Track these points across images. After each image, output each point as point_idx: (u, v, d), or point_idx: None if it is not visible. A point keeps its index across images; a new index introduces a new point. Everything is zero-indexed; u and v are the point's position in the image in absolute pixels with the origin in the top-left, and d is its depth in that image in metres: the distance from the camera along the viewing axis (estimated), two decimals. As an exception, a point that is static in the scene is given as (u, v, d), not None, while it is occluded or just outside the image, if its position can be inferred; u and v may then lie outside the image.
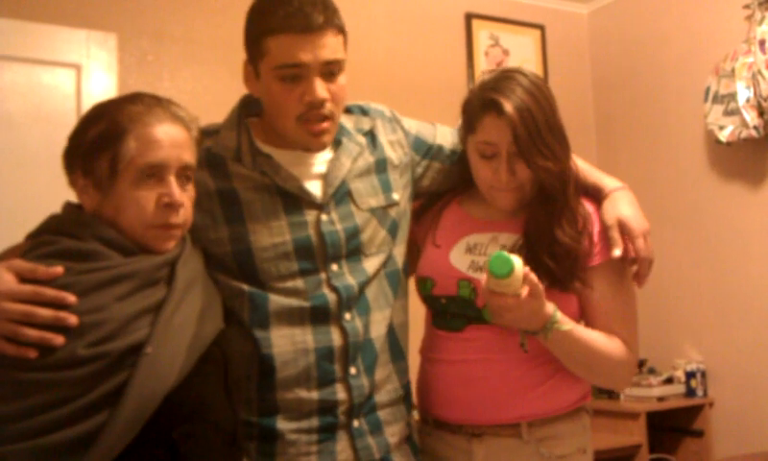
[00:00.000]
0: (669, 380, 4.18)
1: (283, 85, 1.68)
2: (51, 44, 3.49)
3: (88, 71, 3.54)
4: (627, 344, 1.82)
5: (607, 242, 1.78)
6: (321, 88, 1.66)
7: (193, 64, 3.76)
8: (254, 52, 1.71)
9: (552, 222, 1.77)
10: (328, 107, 1.69)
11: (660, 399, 4.07)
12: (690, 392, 4.13)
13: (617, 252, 1.75)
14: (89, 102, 3.38)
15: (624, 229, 1.77)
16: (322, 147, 1.75)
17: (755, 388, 3.95)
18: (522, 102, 1.71)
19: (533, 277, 1.58)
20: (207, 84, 3.75)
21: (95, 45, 3.56)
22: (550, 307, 1.66)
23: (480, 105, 1.77)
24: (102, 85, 3.54)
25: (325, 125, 1.71)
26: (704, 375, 4.14)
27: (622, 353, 1.80)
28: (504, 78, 1.78)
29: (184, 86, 3.73)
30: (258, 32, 1.69)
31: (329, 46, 1.67)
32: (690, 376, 4.13)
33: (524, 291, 1.57)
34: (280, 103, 1.71)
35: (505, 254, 1.53)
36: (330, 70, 1.68)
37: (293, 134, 1.73)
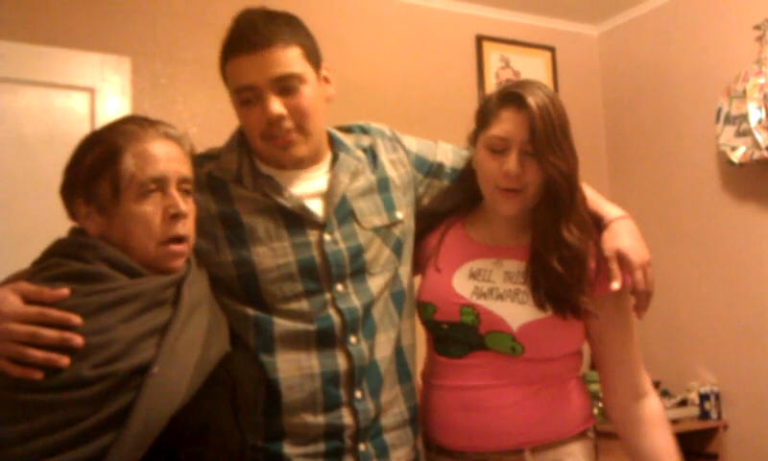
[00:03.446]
0: (683, 403, 4.15)
1: (244, 109, 1.71)
2: (65, 68, 3.53)
3: (102, 94, 3.57)
4: (643, 382, 1.85)
5: (607, 274, 1.76)
6: (274, 105, 1.66)
7: (206, 87, 3.78)
8: (224, 80, 1.76)
9: (559, 222, 1.75)
10: (289, 121, 1.69)
11: (674, 421, 4.03)
12: (704, 414, 4.10)
13: (615, 285, 1.73)
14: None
15: (623, 260, 1.74)
16: (294, 161, 1.75)
17: (769, 410, 3.92)
18: (543, 101, 1.73)
19: None
20: (220, 108, 3.73)
21: (109, 69, 3.59)
22: None
23: (500, 99, 1.79)
24: (115, 109, 3.57)
25: (292, 137, 1.71)
26: (718, 397, 4.11)
27: (663, 413, 1.86)
28: (525, 81, 1.81)
29: (197, 109, 3.75)
30: (220, 61, 1.74)
31: (278, 62, 1.66)
32: (704, 398, 4.10)
33: None
34: (245, 124, 1.75)
35: None
36: (285, 86, 1.68)
37: (264, 153, 1.75)
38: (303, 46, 1.71)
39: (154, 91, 3.69)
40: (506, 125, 1.76)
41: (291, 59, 1.68)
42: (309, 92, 1.70)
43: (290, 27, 1.70)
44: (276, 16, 1.71)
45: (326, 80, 1.80)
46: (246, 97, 1.69)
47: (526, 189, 1.77)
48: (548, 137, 1.71)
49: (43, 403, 1.33)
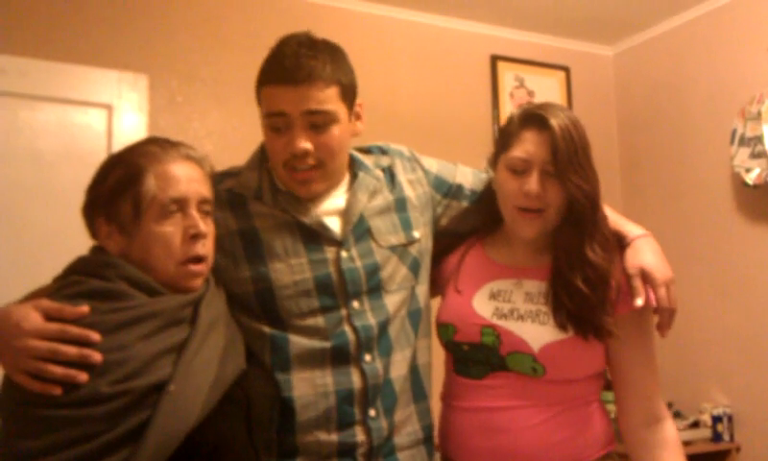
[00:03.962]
0: (695, 424, 4.13)
1: (272, 134, 1.72)
2: (83, 85, 3.57)
3: (120, 111, 3.60)
4: (659, 407, 1.84)
5: (630, 291, 1.76)
6: (301, 139, 1.68)
7: (222, 105, 3.81)
8: (258, 101, 1.76)
9: (583, 242, 1.75)
10: (312, 158, 1.71)
11: (686, 443, 4.00)
12: (717, 436, 4.07)
13: (639, 301, 1.73)
14: (120, 141, 3.48)
15: (646, 278, 1.74)
16: (310, 195, 1.77)
17: (782, 434, 3.89)
18: (565, 123, 1.75)
19: None
20: (236, 125, 3.80)
21: (126, 86, 3.62)
22: None
23: (522, 120, 1.80)
24: (132, 125, 3.60)
25: (311, 174, 1.73)
26: (730, 419, 4.08)
27: (677, 439, 1.84)
28: (546, 104, 1.83)
29: (213, 127, 3.78)
30: (257, 82, 1.74)
31: (314, 99, 1.67)
32: (717, 420, 4.08)
33: None
34: (270, 149, 1.76)
35: None
36: (315, 122, 1.69)
37: (283, 180, 1.77)
38: (342, 84, 1.73)
39: (170, 109, 3.72)
40: (527, 145, 1.77)
41: (327, 97, 1.69)
42: (338, 131, 1.72)
43: (333, 63, 1.71)
44: (321, 49, 1.72)
45: (358, 116, 1.82)
46: (276, 124, 1.70)
47: (547, 210, 1.77)
48: (570, 157, 1.73)
49: (61, 419, 1.34)
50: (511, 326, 1.78)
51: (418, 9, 4.37)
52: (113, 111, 3.59)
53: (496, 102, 4.55)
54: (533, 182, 1.74)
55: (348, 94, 1.76)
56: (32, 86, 3.45)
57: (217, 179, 1.72)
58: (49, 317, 1.41)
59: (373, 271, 1.77)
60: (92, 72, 3.58)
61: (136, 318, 1.44)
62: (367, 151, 1.95)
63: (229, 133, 3.78)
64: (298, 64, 1.67)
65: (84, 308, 1.41)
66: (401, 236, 1.84)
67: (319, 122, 1.69)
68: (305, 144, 1.69)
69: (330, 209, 1.79)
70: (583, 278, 1.73)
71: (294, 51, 1.69)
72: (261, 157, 1.84)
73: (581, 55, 4.92)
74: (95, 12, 3.61)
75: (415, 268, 1.85)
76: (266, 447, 1.65)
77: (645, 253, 1.78)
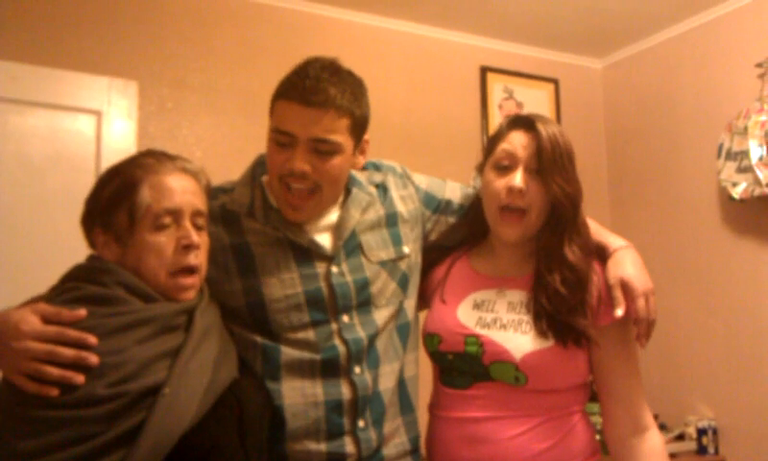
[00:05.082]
0: (680, 437, 4.15)
1: (275, 147, 1.73)
2: (73, 90, 3.55)
3: (109, 117, 3.59)
4: (644, 416, 1.85)
5: (610, 303, 1.78)
6: (300, 161, 1.69)
7: (211, 112, 3.81)
8: (270, 111, 1.77)
9: (562, 243, 1.79)
10: (310, 181, 1.71)
11: (672, 456, 4.01)
12: (702, 449, 4.08)
13: (619, 312, 1.75)
14: (109, 147, 3.47)
15: (626, 288, 1.77)
16: (297, 220, 1.77)
17: (767, 446, 3.90)
18: (552, 129, 1.81)
19: None
20: (225, 132, 3.80)
21: (116, 92, 3.61)
22: None
23: (510, 123, 1.86)
24: (121, 131, 3.59)
25: (303, 202, 1.74)
26: (715, 432, 4.09)
27: (663, 449, 1.85)
28: (536, 113, 1.87)
29: (203, 134, 3.78)
30: (274, 93, 1.75)
31: (324, 126, 1.68)
32: (702, 433, 4.09)
33: None
34: (270, 161, 1.77)
35: None
36: (319, 148, 1.70)
37: (276, 194, 1.78)
38: (354, 118, 1.74)
39: (160, 115, 3.72)
40: (514, 141, 1.82)
41: (337, 127, 1.71)
42: (339, 162, 1.74)
43: (351, 95, 1.73)
44: (343, 78, 1.73)
45: (362, 151, 1.83)
46: (281, 140, 1.71)
47: (529, 211, 1.80)
48: (555, 158, 1.77)
49: (58, 419, 1.36)
50: (493, 335, 1.79)
51: (408, 19, 4.39)
52: (103, 118, 3.58)
53: (485, 113, 4.57)
54: (518, 177, 1.79)
55: (358, 129, 1.77)
56: (22, 92, 3.43)
57: (212, 194, 1.74)
58: (47, 320, 1.43)
59: (363, 286, 1.78)
60: (82, 78, 3.57)
61: (133, 323, 1.46)
62: (362, 168, 1.96)
63: (219, 140, 3.78)
64: (317, 87, 1.67)
65: (82, 312, 1.43)
66: (391, 251, 1.86)
67: (322, 149, 1.70)
68: (305, 166, 1.70)
69: (322, 226, 1.81)
70: (561, 278, 1.76)
71: (316, 73, 1.70)
72: (254, 172, 1.86)
73: (570, 67, 4.95)
74: (86, 18, 3.60)
75: (404, 283, 1.87)
76: (257, 454, 1.66)
77: (626, 264, 1.81)
